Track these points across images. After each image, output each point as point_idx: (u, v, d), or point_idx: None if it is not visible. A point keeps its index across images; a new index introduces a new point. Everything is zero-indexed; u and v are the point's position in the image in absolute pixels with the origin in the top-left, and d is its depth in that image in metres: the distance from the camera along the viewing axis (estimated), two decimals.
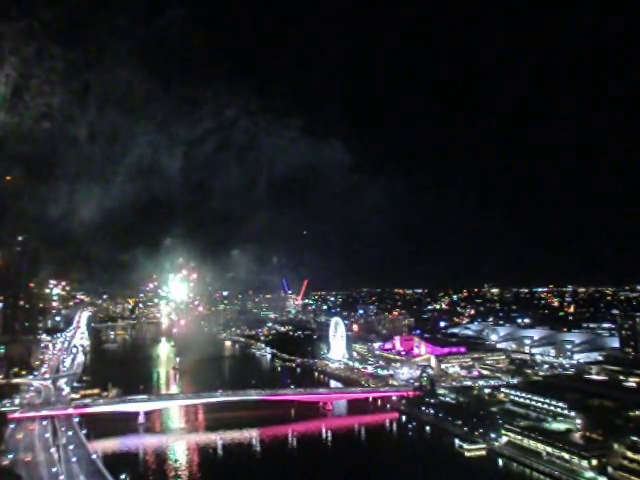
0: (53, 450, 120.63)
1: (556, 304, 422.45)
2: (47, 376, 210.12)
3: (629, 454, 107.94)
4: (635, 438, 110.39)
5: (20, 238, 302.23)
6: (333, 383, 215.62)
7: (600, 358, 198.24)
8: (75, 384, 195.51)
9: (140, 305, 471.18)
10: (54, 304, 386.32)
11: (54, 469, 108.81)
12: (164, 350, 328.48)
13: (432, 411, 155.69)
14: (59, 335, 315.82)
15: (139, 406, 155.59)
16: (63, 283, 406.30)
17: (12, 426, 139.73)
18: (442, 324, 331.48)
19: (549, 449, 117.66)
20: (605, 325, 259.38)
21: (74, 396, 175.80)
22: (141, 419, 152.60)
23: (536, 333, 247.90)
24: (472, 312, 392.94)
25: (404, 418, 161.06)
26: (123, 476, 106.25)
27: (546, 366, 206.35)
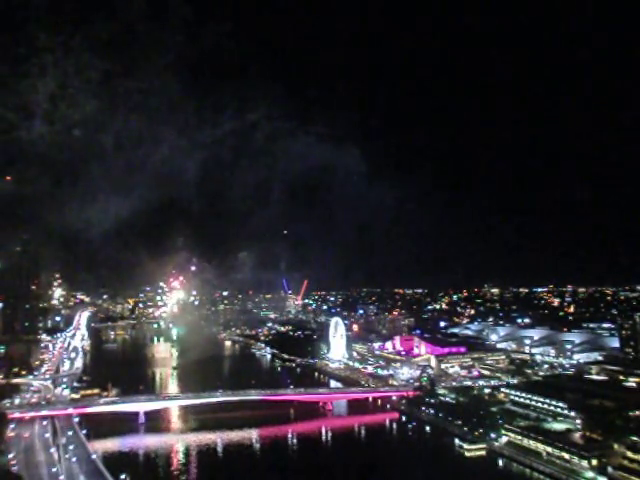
0: (53, 450, 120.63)
1: (556, 304, 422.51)
2: (47, 376, 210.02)
3: (629, 454, 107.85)
4: (635, 438, 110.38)
5: (21, 238, 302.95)
6: (333, 383, 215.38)
7: (600, 358, 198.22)
8: (75, 384, 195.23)
9: (140, 305, 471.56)
10: (54, 304, 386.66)
11: (54, 469, 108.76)
12: (164, 350, 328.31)
13: (432, 411, 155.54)
14: (59, 335, 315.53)
15: (139, 406, 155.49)
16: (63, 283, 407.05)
17: (12, 426, 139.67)
18: (442, 324, 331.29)
19: (549, 449, 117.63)
20: (605, 325, 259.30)
21: (74, 396, 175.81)
22: (141, 419, 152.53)
23: (536, 333, 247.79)
24: (472, 312, 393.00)
25: (404, 418, 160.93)
26: (123, 476, 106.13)
27: (546, 366, 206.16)
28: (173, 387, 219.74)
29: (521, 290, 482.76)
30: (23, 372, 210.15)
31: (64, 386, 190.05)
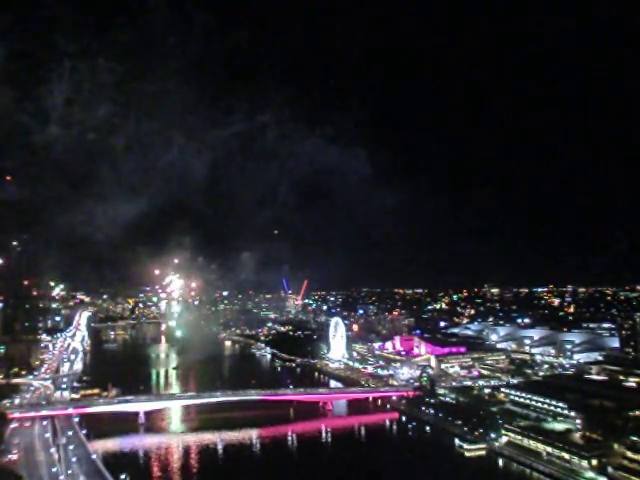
0: (53, 450, 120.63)
1: (556, 304, 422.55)
2: (47, 376, 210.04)
3: (629, 454, 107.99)
4: (635, 438, 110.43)
5: (21, 238, 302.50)
6: (333, 383, 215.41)
7: (600, 358, 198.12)
8: (75, 384, 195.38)
9: (140, 305, 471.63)
10: (54, 304, 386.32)
11: (54, 469, 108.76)
12: (164, 350, 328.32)
13: (432, 411, 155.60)
14: (59, 335, 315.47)
15: (139, 406, 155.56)
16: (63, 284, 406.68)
17: (12, 426, 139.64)
18: (442, 324, 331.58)
19: (549, 449, 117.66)
20: (605, 325, 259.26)
21: (74, 396, 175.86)
22: (141, 419, 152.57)
23: (536, 333, 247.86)
24: (472, 312, 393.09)
25: (404, 418, 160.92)
26: (123, 476, 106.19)
27: (546, 366, 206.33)
28: (173, 387, 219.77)
29: (521, 290, 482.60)
30: (23, 372, 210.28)
31: (64, 386, 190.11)
